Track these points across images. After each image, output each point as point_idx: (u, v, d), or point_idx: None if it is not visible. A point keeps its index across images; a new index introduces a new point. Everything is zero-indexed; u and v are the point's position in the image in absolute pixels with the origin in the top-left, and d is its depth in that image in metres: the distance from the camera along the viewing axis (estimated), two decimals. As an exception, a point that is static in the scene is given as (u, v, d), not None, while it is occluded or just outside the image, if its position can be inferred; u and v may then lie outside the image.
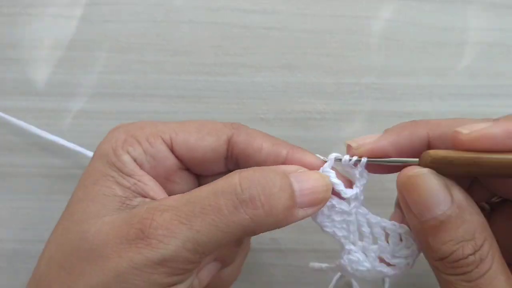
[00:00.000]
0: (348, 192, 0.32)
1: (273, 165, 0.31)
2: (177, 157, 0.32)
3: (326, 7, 0.45)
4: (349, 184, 0.32)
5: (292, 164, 0.31)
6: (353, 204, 0.32)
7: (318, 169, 0.32)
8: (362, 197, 0.32)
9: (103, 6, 0.44)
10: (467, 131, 0.28)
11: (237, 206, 0.28)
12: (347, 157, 0.31)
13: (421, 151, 0.29)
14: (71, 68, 0.43)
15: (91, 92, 0.43)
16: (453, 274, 0.27)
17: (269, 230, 0.29)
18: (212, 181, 0.33)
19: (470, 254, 0.27)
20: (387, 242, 0.32)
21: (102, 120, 0.43)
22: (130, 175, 0.30)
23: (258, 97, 0.43)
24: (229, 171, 0.32)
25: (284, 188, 0.29)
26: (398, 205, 0.33)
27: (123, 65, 0.44)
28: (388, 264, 0.32)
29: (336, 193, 0.32)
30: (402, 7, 0.45)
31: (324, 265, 0.35)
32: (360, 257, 0.32)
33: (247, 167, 0.31)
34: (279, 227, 0.29)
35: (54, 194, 0.42)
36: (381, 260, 0.32)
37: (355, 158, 0.31)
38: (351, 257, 0.32)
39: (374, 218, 0.32)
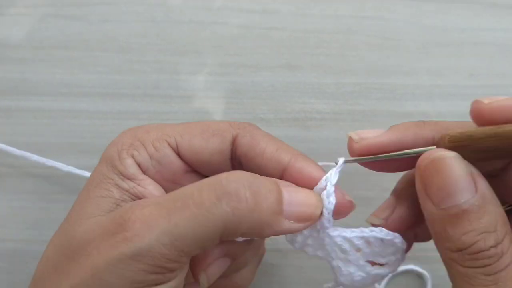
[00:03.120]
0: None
1: (274, 170, 0.31)
2: (183, 160, 0.31)
3: (326, 7, 0.45)
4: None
5: (292, 172, 0.30)
6: (318, 223, 0.29)
7: (319, 180, 0.30)
8: (329, 215, 0.29)
9: (103, 6, 0.44)
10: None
11: (220, 197, 0.26)
12: (341, 160, 0.30)
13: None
14: (71, 68, 0.43)
15: (91, 92, 0.43)
16: (472, 267, 0.26)
17: (253, 234, 0.28)
18: None
19: (492, 247, 0.26)
20: (369, 248, 0.30)
21: (102, 120, 0.43)
22: (130, 179, 0.30)
23: (258, 97, 0.43)
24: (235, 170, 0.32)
25: (273, 192, 0.28)
26: (394, 192, 0.32)
27: (123, 65, 0.43)
28: (381, 264, 0.31)
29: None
30: (402, 7, 0.45)
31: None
32: (350, 270, 0.30)
33: (249, 169, 0.31)
34: (263, 234, 0.28)
35: (54, 194, 0.42)
36: (372, 263, 0.31)
37: (342, 159, 0.30)
38: (343, 272, 0.30)
39: (349, 233, 0.30)
